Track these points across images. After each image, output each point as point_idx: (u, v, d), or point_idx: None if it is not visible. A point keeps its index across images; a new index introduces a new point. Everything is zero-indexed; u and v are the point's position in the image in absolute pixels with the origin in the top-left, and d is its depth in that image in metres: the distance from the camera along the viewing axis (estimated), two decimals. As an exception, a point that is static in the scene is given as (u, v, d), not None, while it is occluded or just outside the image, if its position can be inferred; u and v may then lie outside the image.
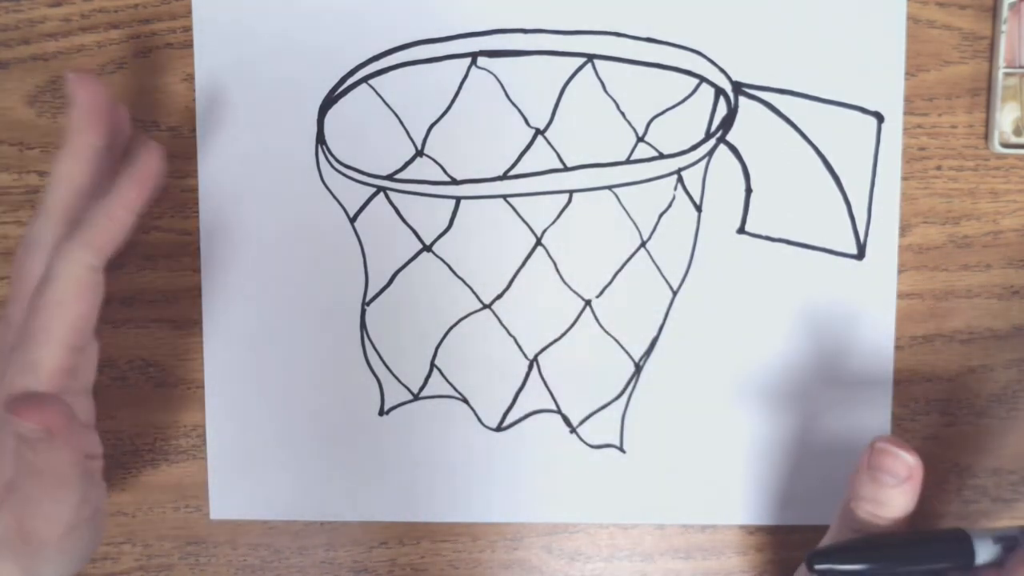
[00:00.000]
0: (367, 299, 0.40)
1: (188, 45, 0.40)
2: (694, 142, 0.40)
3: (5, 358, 0.34)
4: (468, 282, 0.40)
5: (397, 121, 0.40)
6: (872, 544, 0.34)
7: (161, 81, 0.40)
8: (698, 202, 0.40)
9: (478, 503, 0.41)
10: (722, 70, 0.39)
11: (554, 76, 0.40)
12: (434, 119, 0.40)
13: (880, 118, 0.40)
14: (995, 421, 0.41)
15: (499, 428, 0.41)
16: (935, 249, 0.40)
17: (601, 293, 0.40)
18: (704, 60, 0.39)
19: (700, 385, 0.40)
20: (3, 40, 0.40)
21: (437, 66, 0.40)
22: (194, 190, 0.40)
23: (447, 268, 0.40)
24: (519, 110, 0.40)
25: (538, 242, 0.40)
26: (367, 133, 0.40)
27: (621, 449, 0.41)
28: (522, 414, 0.41)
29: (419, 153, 0.40)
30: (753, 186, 0.40)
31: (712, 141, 0.40)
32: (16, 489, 0.33)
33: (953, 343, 0.41)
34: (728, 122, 0.40)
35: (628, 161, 0.40)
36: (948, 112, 0.40)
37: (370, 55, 0.40)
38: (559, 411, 0.41)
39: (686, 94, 0.40)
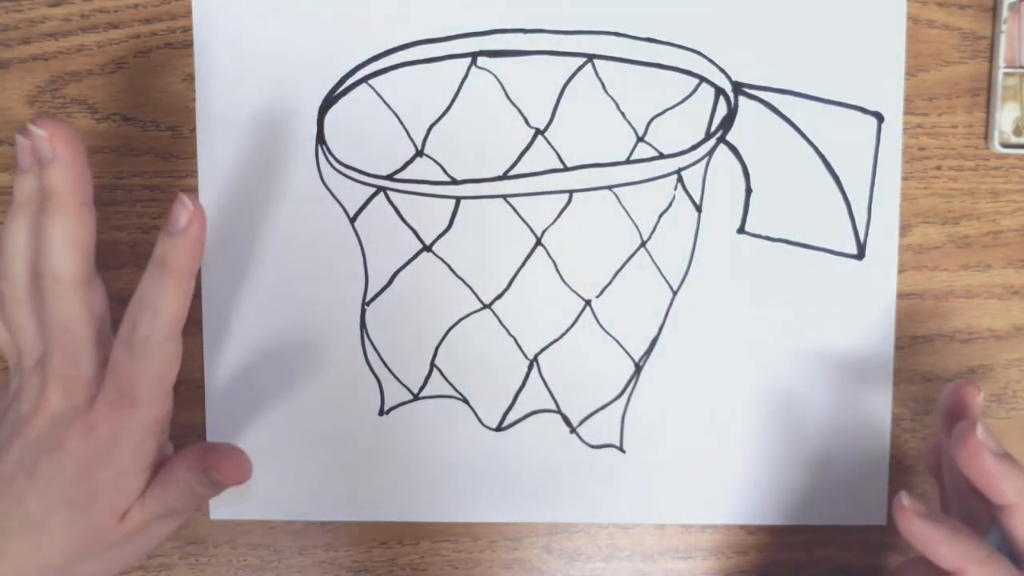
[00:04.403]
0: (367, 299, 0.40)
1: (188, 45, 0.40)
2: (694, 142, 0.40)
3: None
4: (468, 282, 0.40)
5: (397, 121, 0.40)
6: None
7: (161, 81, 0.40)
8: (698, 202, 0.40)
9: (478, 503, 0.41)
10: (722, 70, 0.39)
11: (554, 76, 0.40)
12: (434, 119, 0.40)
13: (880, 118, 0.40)
14: (995, 421, 0.41)
15: (499, 428, 0.41)
16: (935, 249, 0.40)
17: (601, 293, 0.40)
18: (704, 60, 0.39)
19: (700, 385, 0.40)
20: (3, 40, 0.40)
21: (437, 66, 0.40)
22: (194, 190, 0.40)
23: (447, 268, 0.40)
24: (519, 110, 0.40)
25: (538, 242, 0.40)
26: (367, 133, 0.40)
27: (621, 449, 0.41)
28: (522, 414, 0.41)
29: (419, 153, 0.40)
30: (753, 186, 0.40)
31: (712, 141, 0.40)
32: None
33: (953, 343, 0.41)
34: (728, 122, 0.40)
35: (628, 161, 0.40)
36: (948, 112, 0.40)
37: (370, 55, 0.40)
38: (559, 411, 0.41)
39: (686, 94, 0.40)
